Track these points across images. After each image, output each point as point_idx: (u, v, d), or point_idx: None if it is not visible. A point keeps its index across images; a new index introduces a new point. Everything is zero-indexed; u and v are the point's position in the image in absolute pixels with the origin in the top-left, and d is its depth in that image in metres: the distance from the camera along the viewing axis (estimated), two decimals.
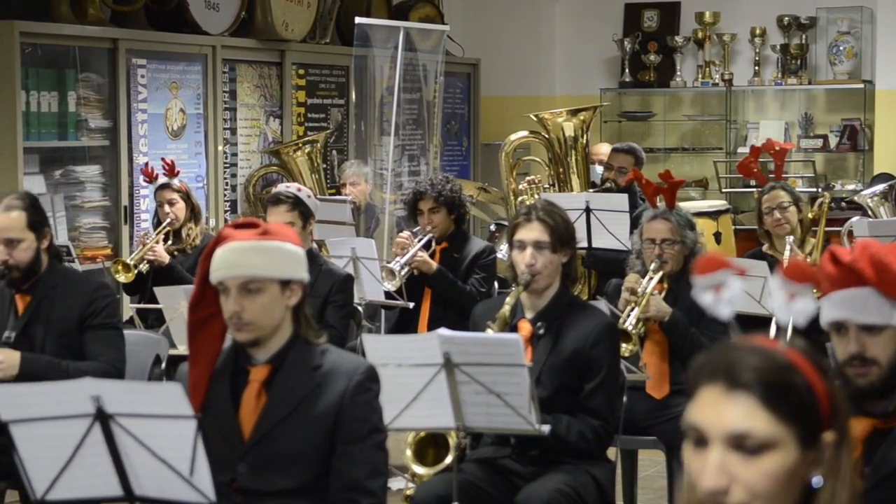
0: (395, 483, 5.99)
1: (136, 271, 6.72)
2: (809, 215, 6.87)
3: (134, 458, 3.16)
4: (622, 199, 7.39)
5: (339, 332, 5.67)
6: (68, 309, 4.65)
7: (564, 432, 4.26)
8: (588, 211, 7.29)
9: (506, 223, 8.35)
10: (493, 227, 9.36)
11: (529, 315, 4.43)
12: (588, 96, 11.03)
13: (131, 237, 7.87)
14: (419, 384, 3.92)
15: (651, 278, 5.33)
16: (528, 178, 8.97)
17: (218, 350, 3.52)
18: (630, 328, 5.15)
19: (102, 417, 3.13)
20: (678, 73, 11.39)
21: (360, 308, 6.32)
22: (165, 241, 6.87)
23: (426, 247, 6.45)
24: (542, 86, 11.64)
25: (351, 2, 9.91)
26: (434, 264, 6.42)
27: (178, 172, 7.03)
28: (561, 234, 4.40)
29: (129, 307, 6.78)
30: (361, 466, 3.42)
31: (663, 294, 5.36)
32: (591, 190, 8.61)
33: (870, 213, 8.54)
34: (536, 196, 8.41)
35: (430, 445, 4.33)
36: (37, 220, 4.65)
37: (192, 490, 3.12)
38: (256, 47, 8.96)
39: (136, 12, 8.27)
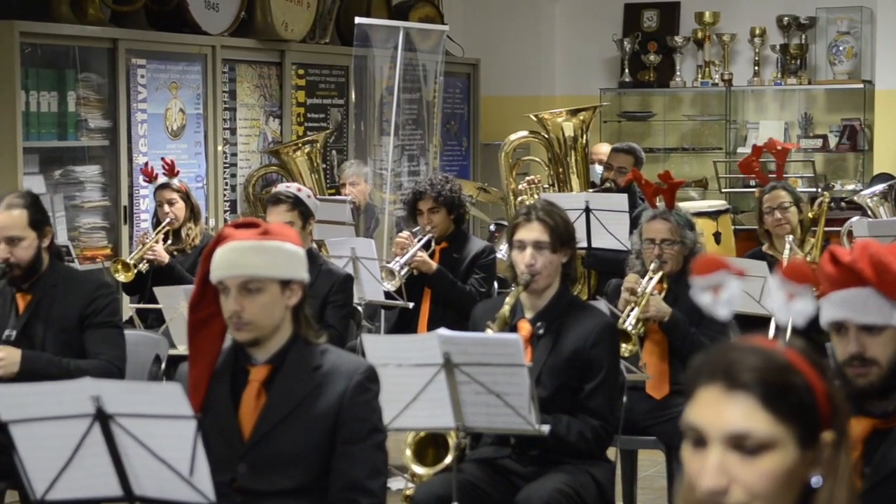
0: (395, 483, 5.99)
1: (135, 271, 6.72)
2: (809, 215, 6.87)
3: (134, 458, 3.16)
4: (622, 199, 7.39)
5: (338, 332, 5.67)
6: (69, 307, 4.66)
7: (564, 432, 4.26)
8: (588, 211, 7.29)
9: (505, 223, 8.34)
10: (492, 228, 9.36)
11: (529, 315, 4.43)
12: (588, 96, 11.04)
13: (131, 237, 7.87)
14: (419, 384, 3.92)
15: (651, 278, 5.33)
16: (527, 178, 8.97)
17: (218, 350, 3.52)
18: (630, 328, 5.15)
19: (102, 417, 3.13)
20: (678, 73, 11.39)
21: (359, 308, 6.32)
22: (165, 240, 6.87)
23: (426, 247, 6.45)
24: (542, 86, 11.64)
25: (351, 2, 9.91)
26: (434, 264, 6.42)
27: (178, 172, 7.03)
28: (561, 234, 4.40)
29: (128, 307, 6.78)
30: (361, 466, 3.42)
31: (663, 294, 5.36)
32: (591, 190, 8.61)
33: (869, 213, 8.54)
34: (536, 196, 8.41)
35: (429, 445, 4.33)
36: (38, 219, 4.66)
37: (192, 490, 3.12)
38: (256, 47, 8.96)
39: (136, 12, 8.27)
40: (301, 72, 9.35)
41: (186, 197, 6.97)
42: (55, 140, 7.62)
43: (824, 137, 11.05)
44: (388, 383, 3.64)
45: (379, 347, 3.97)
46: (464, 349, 3.89)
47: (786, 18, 11.03)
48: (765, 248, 6.63)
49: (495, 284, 6.68)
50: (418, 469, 4.30)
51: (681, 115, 11.61)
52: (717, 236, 8.91)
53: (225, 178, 8.75)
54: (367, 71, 9.19)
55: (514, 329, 4.35)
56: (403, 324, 6.52)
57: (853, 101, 11.00)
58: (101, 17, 8.02)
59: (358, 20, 8.88)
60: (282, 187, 6.05)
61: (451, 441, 4.15)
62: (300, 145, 8.96)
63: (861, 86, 10.87)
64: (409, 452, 4.33)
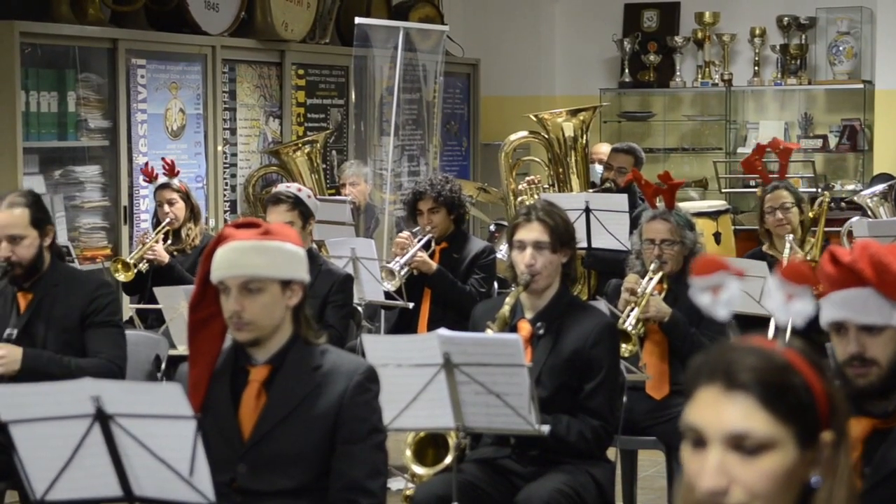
0: (395, 483, 5.99)
1: (135, 270, 6.72)
2: (810, 214, 6.87)
3: (133, 458, 3.16)
4: (622, 200, 7.39)
5: (338, 332, 5.67)
6: (70, 306, 4.66)
7: (564, 432, 4.26)
8: (588, 211, 7.29)
9: (505, 223, 8.34)
10: (492, 228, 9.36)
11: (529, 315, 4.43)
12: (588, 96, 11.04)
13: (131, 237, 7.87)
14: (419, 384, 3.92)
15: (651, 279, 5.33)
16: (527, 178, 8.97)
17: (218, 350, 3.52)
18: (630, 328, 5.15)
19: (102, 418, 3.13)
20: (678, 73, 11.40)
21: (359, 308, 6.32)
22: (165, 240, 6.87)
23: (426, 247, 6.45)
24: (542, 86, 11.65)
25: (351, 2, 9.91)
26: (434, 264, 6.42)
27: (178, 172, 7.03)
28: (561, 234, 4.40)
29: (128, 307, 6.78)
30: (361, 467, 3.42)
31: (663, 294, 5.36)
32: (591, 190, 8.61)
33: (869, 213, 8.54)
34: (536, 196, 8.41)
35: (429, 446, 4.33)
36: (40, 218, 4.67)
37: (192, 490, 3.12)
38: (256, 47, 8.96)
39: (136, 12, 8.27)
40: (301, 72, 9.35)
41: (186, 197, 6.97)
42: (55, 140, 7.62)
43: (824, 137, 11.05)
44: (388, 383, 3.64)
45: (379, 347, 3.97)
46: (464, 349, 3.89)
47: (786, 18, 11.03)
48: (765, 247, 6.63)
49: (495, 285, 6.68)
50: (418, 469, 4.30)
51: (681, 115, 11.61)
52: (717, 236, 8.92)
53: (225, 179, 8.75)
54: (367, 71, 9.19)
55: (514, 329, 4.35)
56: (403, 324, 6.52)
57: (853, 101, 11.00)
58: (101, 17, 8.02)
59: (358, 20, 8.88)
60: (282, 187, 6.05)
61: (451, 441, 4.15)
62: (300, 145, 8.96)
63: (861, 86, 10.87)
64: (408, 452, 4.33)
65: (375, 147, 9.35)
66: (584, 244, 7.16)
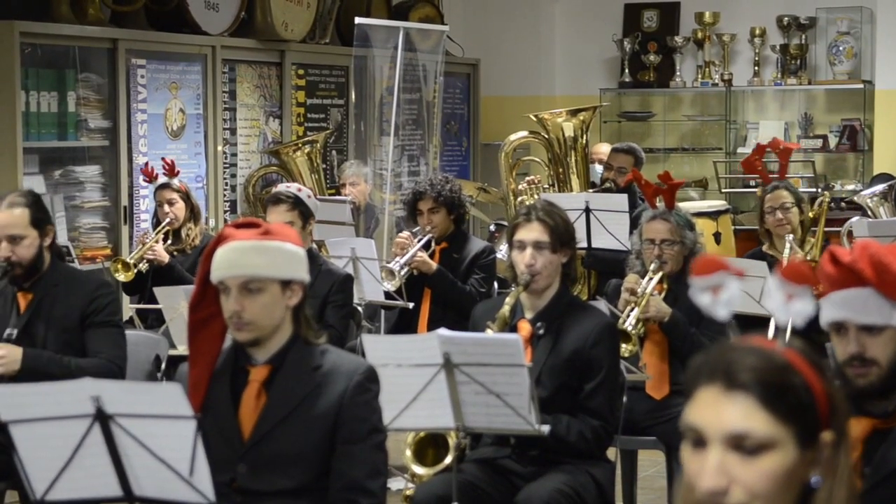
0: (395, 483, 5.99)
1: (135, 270, 6.72)
2: (810, 214, 6.86)
3: (133, 458, 3.16)
4: (622, 200, 7.39)
5: (338, 332, 5.67)
6: (70, 306, 4.67)
7: (564, 432, 4.26)
8: (588, 211, 7.29)
9: (505, 223, 8.34)
10: (492, 228, 9.36)
11: (529, 315, 4.43)
12: (588, 96, 11.04)
13: (131, 237, 7.87)
14: (419, 384, 3.92)
15: (651, 279, 5.33)
16: (527, 178, 8.97)
17: (218, 350, 3.52)
18: (630, 328, 5.15)
19: (102, 418, 3.13)
20: (678, 73, 11.40)
21: (359, 308, 6.32)
22: (165, 240, 6.87)
23: (426, 247, 6.45)
24: (542, 86, 11.65)
25: (351, 2, 9.91)
26: (434, 264, 6.42)
27: (178, 172, 7.03)
28: (561, 234, 4.40)
29: (128, 307, 6.78)
30: (361, 467, 3.42)
31: (663, 294, 5.36)
32: (591, 190, 8.61)
33: (869, 213, 8.54)
34: (536, 196, 8.41)
35: (429, 446, 4.33)
36: (40, 218, 4.67)
37: (192, 490, 3.12)
38: (256, 47, 8.96)
39: (136, 12, 8.27)
40: (301, 72, 9.35)
41: (186, 197, 6.97)
42: (55, 140, 7.62)
43: (824, 137, 11.05)
44: (388, 383, 3.64)
45: (379, 347, 3.97)
46: (464, 349, 3.89)
47: (786, 18, 11.03)
48: (765, 247, 6.63)
49: (495, 284, 6.68)
50: (418, 469, 4.30)
51: (681, 115, 11.61)
52: (717, 236, 8.92)
53: (225, 179, 8.75)
54: (367, 71, 9.19)
55: (514, 329, 4.35)
56: (403, 324, 6.52)
57: (853, 101, 11.00)
58: (101, 17, 8.02)
59: (358, 20, 8.88)
60: (282, 187, 6.05)
61: (451, 441, 4.15)
62: (300, 145, 8.96)
63: (861, 86, 10.87)
64: (408, 452, 4.33)
65: (375, 147, 9.35)
66: (584, 244, 7.16)
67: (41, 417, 3.17)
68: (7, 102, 7.22)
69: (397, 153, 9.58)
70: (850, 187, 10.69)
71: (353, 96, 9.42)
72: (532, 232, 4.38)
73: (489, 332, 4.27)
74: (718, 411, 1.87)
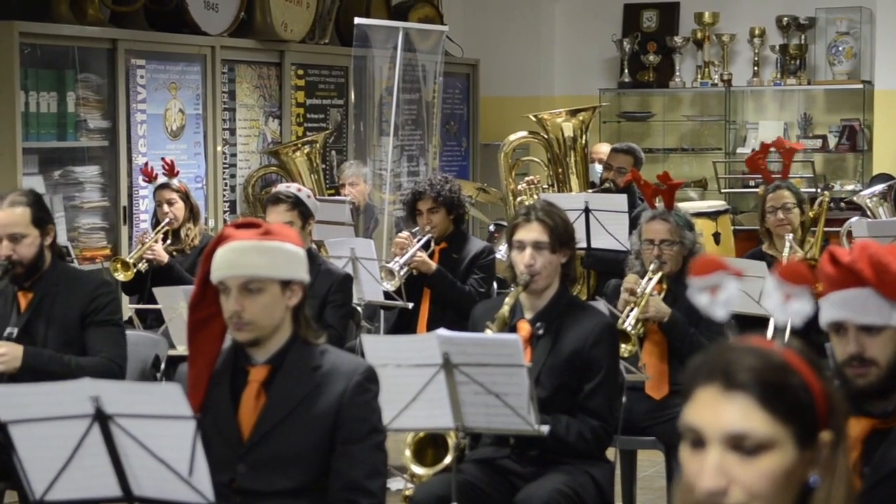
0: (395, 483, 5.99)
1: (134, 270, 6.72)
2: (810, 214, 6.86)
3: (133, 458, 3.16)
4: (621, 200, 7.40)
5: (337, 331, 5.67)
6: (70, 305, 4.67)
7: (563, 433, 4.26)
8: (587, 211, 7.29)
9: (505, 224, 8.35)
10: (492, 228, 9.36)
11: (528, 315, 4.43)
12: (587, 97, 11.04)
13: (130, 238, 7.87)
14: (418, 384, 3.92)
15: (650, 279, 5.33)
16: (527, 178, 8.97)
17: (217, 350, 3.52)
18: (629, 328, 5.15)
19: (101, 418, 3.13)
20: (677, 73, 11.40)
21: (359, 308, 6.32)
22: (164, 240, 6.87)
23: (425, 247, 6.46)
24: (542, 86, 11.65)
25: (350, 2, 9.91)
26: (433, 264, 6.42)
27: (178, 172, 7.03)
28: (560, 234, 4.40)
29: (128, 307, 6.78)
30: (361, 467, 3.42)
31: (662, 294, 5.36)
32: (591, 190, 8.61)
33: (869, 213, 8.54)
34: (535, 196, 8.41)
35: (429, 446, 4.33)
36: (41, 217, 4.69)
37: (191, 490, 3.12)
38: (255, 48, 8.96)
39: (136, 13, 8.27)
40: (300, 72, 9.35)
41: (186, 197, 6.97)
42: (54, 140, 7.61)
43: (824, 138, 11.05)
44: (388, 384, 3.64)
45: (378, 348, 3.97)
46: (463, 349, 3.89)
47: (785, 19, 11.03)
48: (764, 247, 6.62)
49: (494, 285, 6.69)
50: (418, 469, 4.30)
51: (680, 115, 11.61)
52: (716, 237, 8.92)
53: (224, 179, 8.75)
54: (367, 71, 9.19)
55: (513, 329, 4.35)
56: (403, 324, 6.52)
57: (852, 101, 11.00)
58: (101, 17, 8.02)
59: (357, 20, 8.88)
60: (282, 187, 6.06)
61: (451, 441, 4.15)
62: (300, 146, 8.96)
63: (860, 86, 10.87)
64: (408, 453, 4.33)
65: (375, 147, 9.35)
66: (583, 244, 7.17)
67: (40, 417, 3.17)
68: (6, 103, 7.22)
69: (397, 153, 9.58)
70: (850, 187, 10.69)
71: (353, 96, 9.42)
72: (531, 232, 4.38)
73: (488, 333, 4.27)
74: (717, 411, 1.87)
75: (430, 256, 6.46)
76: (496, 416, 3.95)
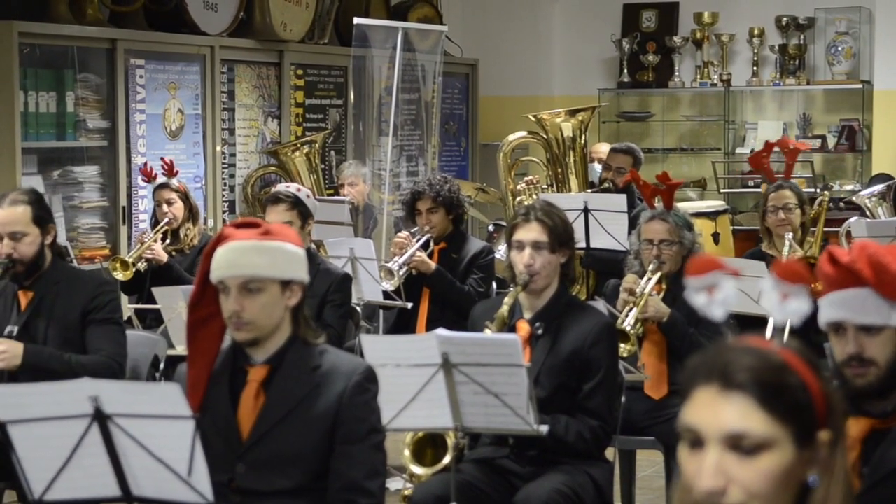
0: (394, 483, 5.99)
1: (133, 269, 6.72)
2: (811, 214, 6.85)
3: (132, 458, 3.16)
4: (620, 200, 7.40)
5: (336, 331, 5.67)
6: (71, 304, 4.69)
7: (563, 432, 4.26)
8: (586, 211, 7.29)
9: (504, 223, 8.35)
10: (491, 228, 9.36)
11: (528, 315, 4.43)
12: (586, 96, 11.04)
13: (129, 237, 7.87)
14: (417, 384, 3.92)
15: (649, 279, 5.33)
16: (526, 178, 8.97)
17: (217, 350, 3.52)
18: (628, 328, 5.15)
19: (100, 418, 3.13)
20: (676, 73, 11.40)
21: (358, 308, 6.32)
22: (163, 240, 6.87)
23: (424, 247, 6.46)
24: (541, 86, 11.65)
25: (349, 2, 9.91)
26: (432, 264, 6.42)
27: (177, 172, 7.03)
28: (559, 234, 4.40)
29: (127, 307, 6.77)
30: (360, 467, 3.42)
31: (661, 294, 5.36)
32: (590, 190, 8.61)
33: (868, 213, 8.54)
34: (535, 196, 8.41)
35: (428, 446, 4.33)
36: (42, 216, 4.70)
37: (190, 490, 3.12)
38: (255, 48, 8.96)
39: (135, 12, 8.27)
40: (300, 72, 9.35)
41: (185, 197, 6.97)
42: (54, 140, 7.62)
43: (823, 138, 11.05)
44: (387, 383, 3.64)
45: (377, 348, 3.97)
46: (462, 349, 3.89)
47: (784, 19, 11.03)
48: (764, 246, 6.61)
49: (494, 285, 6.69)
50: (417, 469, 4.30)
51: (679, 115, 11.61)
52: (715, 237, 8.92)
53: (223, 179, 8.74)
54: (366, 71, 9.19)
55: (512, 329, 4.35)
56: (402, 324, 6.52)
57: (852, 101, 11.00)
58: (100, 17, 8.02)
59: (356, 20, 8.88)
60: (281, 187, 6.06)
61: (450, 441, 4.15)
62: (299, 146, 8.96)
63: (860, 86, 10.87)
64: (407, 453, 4.33)
65: (374, 147, 9.35)
66: (582, 244, 7.17)
67: (39, 417, 3.17)
68: (6, 102, 7.22)
69: (396, 153, 9.58)
70: (849, 187, 10.69)
71: (352, 96, 9.42)
72: (531, 232, 4.38)
73: (488, 333, 4.27)
74: (716, 411, 1.87)
75: (430, 256, 6.46)
76: (495, 416, 3.95)
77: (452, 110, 10.92)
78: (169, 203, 6.92)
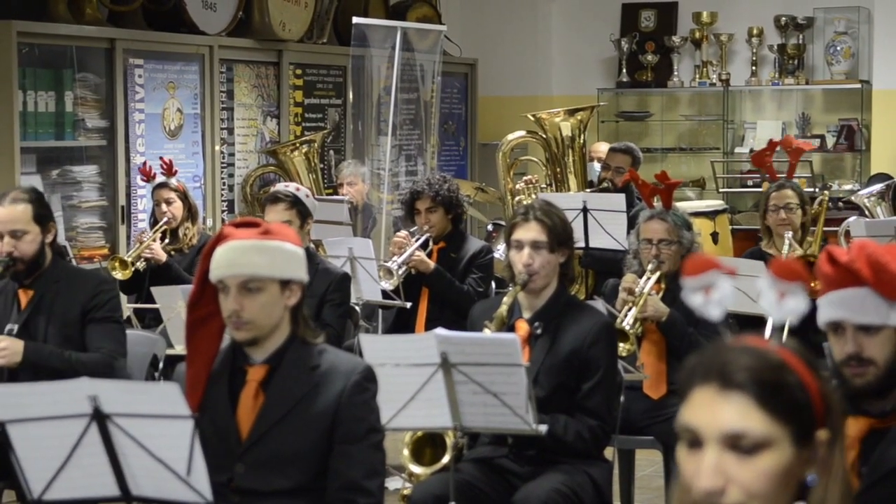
0: (393, 483, 5.99)
1: (132, 268, 6.72)
2: (811, 213, 6.83)
3: (131, 458, 3.16)
4: (619, 199, 7.40)
5: (336, 330, 5.67)
6: (71, 302, 4.70)
7: (562, 432, 4.26)
8: (585, 211, 7.29)
9: (503, 223, 8.35)
10: (490, 227, 9.36)
11: (527, 315, 4.43)
12: (585, 96, 11.03)
13: (128, 237, 7.87)
14: (416, 384, 3.92)
15: (648, 278, 5.33)
16: (525, 177, 8.97)
17: (216, 349, 3.52)
18: (627, 328, 5.15)
19: (99, 417, 3.13)
20: (675, 73, 11.40)
21: (357, 308, 6.32)
22: (162, 240, 6.86)
23: (423, 246, 6.46)
24: (540, 86, 11.64)
25: (348, 2, 9.91)
26: (431, 264, 6.42)
27: (176, 172, 7.03)
28: (558, 233, 4.40)
29: (126, 307, 6.77)
30: (359, 466, 3.42)
31: (661, 294, 5.36)
32: (589, 190, 8.61)
33: (867, 213, 8.54)
34: (534, 196, 8.41)
35: (427, 445, 4.33)
36: (42, 214, 4.72)
37: (189, 490, 3.12)
38: (254, 47, 8.96)
39: (134, 12, 8.27)
40: (299, 72, 9.34)
41: (184, 196, 6.96)
42: (52, 140, 7.61)
43: (822, 137, 11.05)
44: (386, 383, 3.64)
45: (376, 347, 3.97)
46: (461, 349, 3.89)
47: (783, 18, 11.03)
48: (764, 245, 6.60)
49: (493, 284, 6.69)
50: (416, 469, 4.30)
51: (678, 115, 11.61)
52: (714, 236, 8.92)
53: (222, 178, 8.74)
54: (365, 71, 9.19)
55: (511, 329, 4.35)
56: (401, 323, 6.52)
57: (851, 101, 11.00)
58: (99, 16, 8.02)
59: (355, 20, 8.88)
60: (280, 186, 6.06)
61: (449, 441, 4.15)
62: (298, 145, 8.96)
63: (858, 86, 10.87)
64: (406, 452, 4.33)
65: (373, 147, 9.35)
66: (581, 244, 7.17)
67: (38, 417, 3.17)
68: (4, 102, 7.21)
69: (395, 153, 9.58)
70: (848, 187, 10.68)
71: (351, 96, 9.42)
72: (530, 231, 4.38)
73: (487, 332, 4.27)
74: (714, 411, 1.87)
75: (429, 256, 6.46)
76: (494, 416, 3.95)
77: (451, 110, 10.92)
78: (168, 202, 6.91)
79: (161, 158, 7.25)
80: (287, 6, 9.15)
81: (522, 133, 9.21)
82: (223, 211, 8.72)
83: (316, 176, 8.96)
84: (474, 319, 4.56)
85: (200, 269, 3.49)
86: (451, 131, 10.97)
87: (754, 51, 11.19)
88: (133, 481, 3.20)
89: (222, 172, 8.73)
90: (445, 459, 4.20)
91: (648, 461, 6.28)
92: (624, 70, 11.45)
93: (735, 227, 9.83)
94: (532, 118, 9.12)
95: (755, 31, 11.13)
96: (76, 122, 7.69)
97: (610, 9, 11.55)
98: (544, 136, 9.07)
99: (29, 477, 3.23)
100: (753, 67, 11.22)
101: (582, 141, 9.07)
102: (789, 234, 6.42)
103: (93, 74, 7.78)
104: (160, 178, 6.98)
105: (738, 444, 1.86)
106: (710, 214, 9.01)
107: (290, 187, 5.98)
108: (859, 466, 2.87)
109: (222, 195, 8.73)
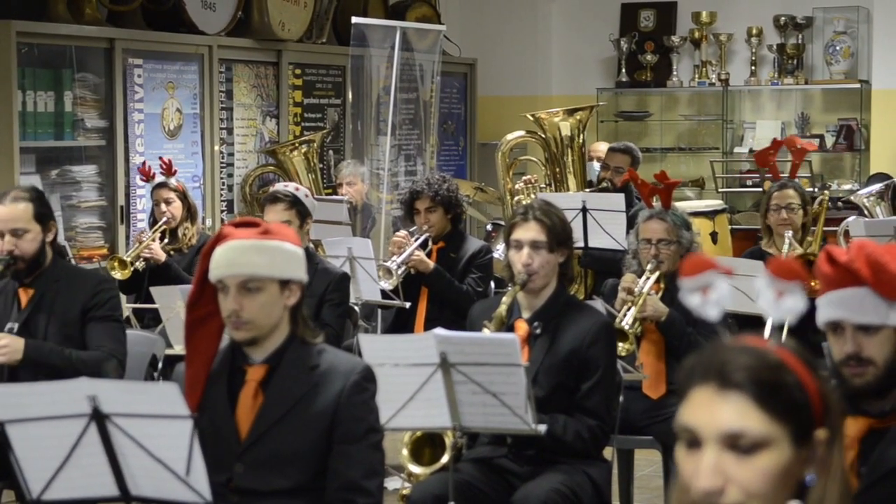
0: (392, 483, 5.99)
1: (132, 268, 6.72)
2: (812, 213, 6.83)
3: (130, 458, 3.16)
4: (619, 199, 7.40)
5: (335, 330, 5.67)
6: (71, 301, 4.70)
7: (561, 432, 4.26)
8: (585, 211, 7.29)
9: (502, 223, 8.34)
10: (489, 227, 9.36)
11: (526, 315, 4.43)
12: (585, 96, 11.04)
13: (128, 237, 7.87)
14: (416, 384, 3.92)
15: (647, 278, 5.33)
16: (524, 177, 8.97)
17: (215, 349, 3.52)
18: (627, 328, 5.15)
19: (99, 417, 3.13)
20: (675, 72, 11.39)
21: (356, 308, 6.32)
22: (161, 240, 6.86)
23: (423, 246, 6.46)
24: (539, 85, 11.64)
25: (347, 1, 9.91)
26: (431, 263, 6.42)
27: (176, 172, 7.03)
28: (558, 233, 4.40)
29: (125, 307, 6.76)
30: (358, 466, 3.42)
31: (660, 294, 5.36)
32: (588, 190, 8.61)
33: (866, 212, 8.53)
34: (533, 196, 8.41)
35: (426, 445, 4.33)
36: (43, 213, 4.72)
37: (189, 490, 3.12)
38: (253, 47, 8.96)
39: (133, 12, 8.27)
40: (298, 71, 9.34)
41: (183, 196, 6.97)
42: (52, 140, 7.61)
43: (821, 137, 11.04)
44: (385, 383, 3.64)
45: (375, 347, 3.97)
46: (460, 349, 3.89)
47: (782, 18, 11.03)
48: (763, 244, 6.60)
49: (492, 284, 6.69)
50: (415, 469, 4.30)
51: (677, 114, 11.61)
52: (713, 236, 8.92)
53: (222, 178, 8.74)
54: (364, 71, 9.19)
55: (510, 329, 4.35)
56: (400, 323, 6.52)
57: (850, 100, 11.00)
58: (98, 16, 8.02)
59: (355, 20, 8.88)
60: (280, 186, 6.06)
61: (448, 441, 4.15)
62: (297, 145, 8.96)
63: (858, 85, 10.87)
64: (405, 452, 4.33)
65: (372, 147, 9.35)
66: (580, 244, 7.17)
67: (38, 417, 3.17)
68: (4, 102, 7.22)
69: (394, 153, 9.57)
70: (847, 187, 10.68)
71: (350, 96, 9.42)
72: (529, 231, 4.38)
73: (486, 332, 4.27)
74: (713, 411, 1.87)
75: (428, 256, 6.46)
76: (493, 416, 3.95)
77: (451, 110, 10.92)
78: (167, 202, 6.91)
79: (160, 158, 7.25)
80: (286, 6, 9.15)
81: (522, 133, 9.21)
82: (222, 211, 8.72)
83: (315, 176, 8.96)
84: (473, 319, 4.56)
85: (200, 268, 3.49)
86: (451, 131, 10.97)
87: (753, 51, 11.19)
88: (132, 481, 3.20)
89: (221, 172, 8.73)
90: (444, 459, 4.20)
91: (647, 461, 6.28)
92: (623, 70, 11.45)
93: (734, 226, 9.83)
94: (531, 118, 9.12)
95: (754, 31, 11.13)
96: (75, 122, 7.69)
97: (609, 9, 11.55)
98: (543, 135, 9.07)
99: (28, 477, 3.23)
100: (753, 67, 11.22)
101: (581, 141, 9.07)
102: (789, 234, 6.42)
103: (92, 74, 7.78)
104: (159, 178, 6.99)
105: (736, 444, 1.86)
106: (710, 214, 9.01)
107: (289, 187, 5.98)
108: (858, 466, 2.87)
109: (221, 195, 8.73)
